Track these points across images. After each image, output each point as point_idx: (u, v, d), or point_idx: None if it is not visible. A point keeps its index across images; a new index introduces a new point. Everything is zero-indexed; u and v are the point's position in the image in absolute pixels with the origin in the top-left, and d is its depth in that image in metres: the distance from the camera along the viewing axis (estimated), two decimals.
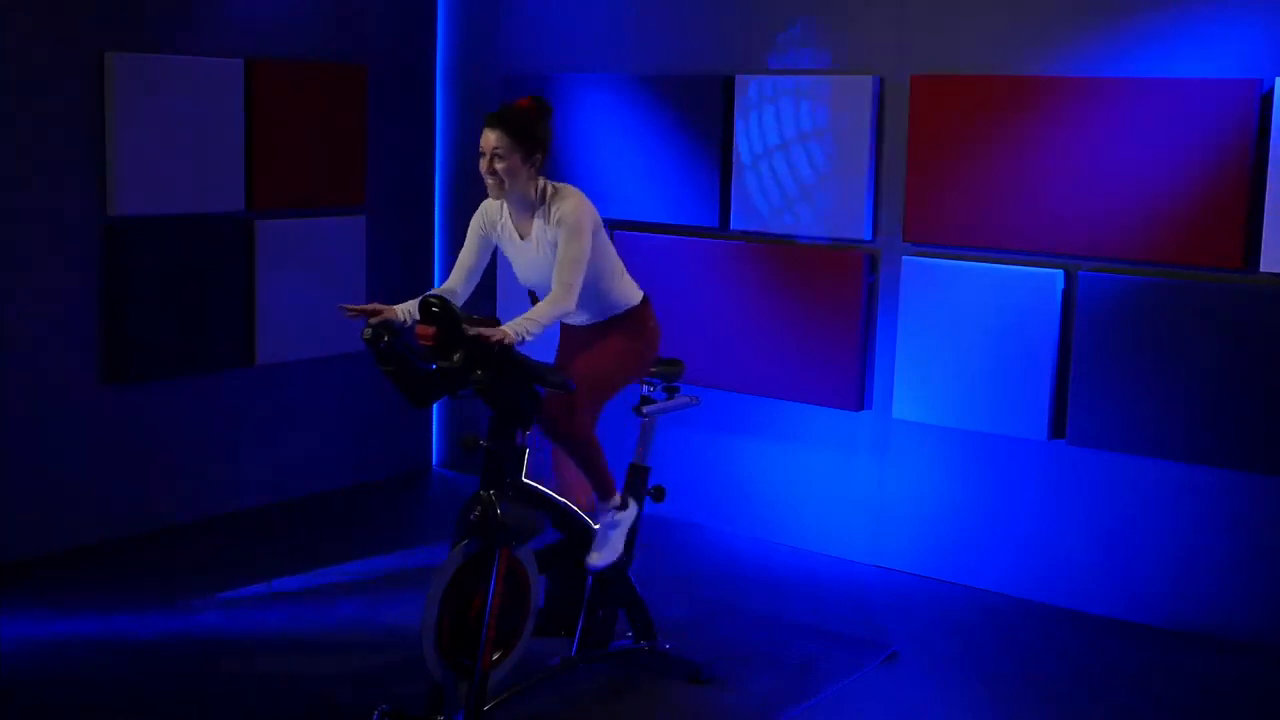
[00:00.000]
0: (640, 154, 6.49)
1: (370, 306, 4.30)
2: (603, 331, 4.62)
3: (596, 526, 4.67)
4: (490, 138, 4.30)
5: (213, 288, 6.27)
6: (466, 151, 7.15)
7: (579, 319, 4.59)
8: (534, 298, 4.67)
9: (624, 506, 4.69)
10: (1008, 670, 5.02)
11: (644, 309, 4.68)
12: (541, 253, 4.40)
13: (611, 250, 4.57)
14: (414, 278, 7.08)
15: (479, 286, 4.59)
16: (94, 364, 5.96)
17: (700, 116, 6.29)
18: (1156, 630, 5.42)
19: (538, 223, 4.39)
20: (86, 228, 5.87)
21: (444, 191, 7.29)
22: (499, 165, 4.30)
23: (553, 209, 4.35)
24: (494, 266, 6.69)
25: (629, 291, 4.63)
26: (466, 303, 4.44)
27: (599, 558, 4.59)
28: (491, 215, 4.51)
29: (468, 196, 7.11)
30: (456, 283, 4.52)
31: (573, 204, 4.34)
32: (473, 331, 4.03)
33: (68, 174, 5.79)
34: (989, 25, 5.64)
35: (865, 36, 5.94)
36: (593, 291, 4.47)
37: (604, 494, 4.64)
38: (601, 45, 6.67)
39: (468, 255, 4.54)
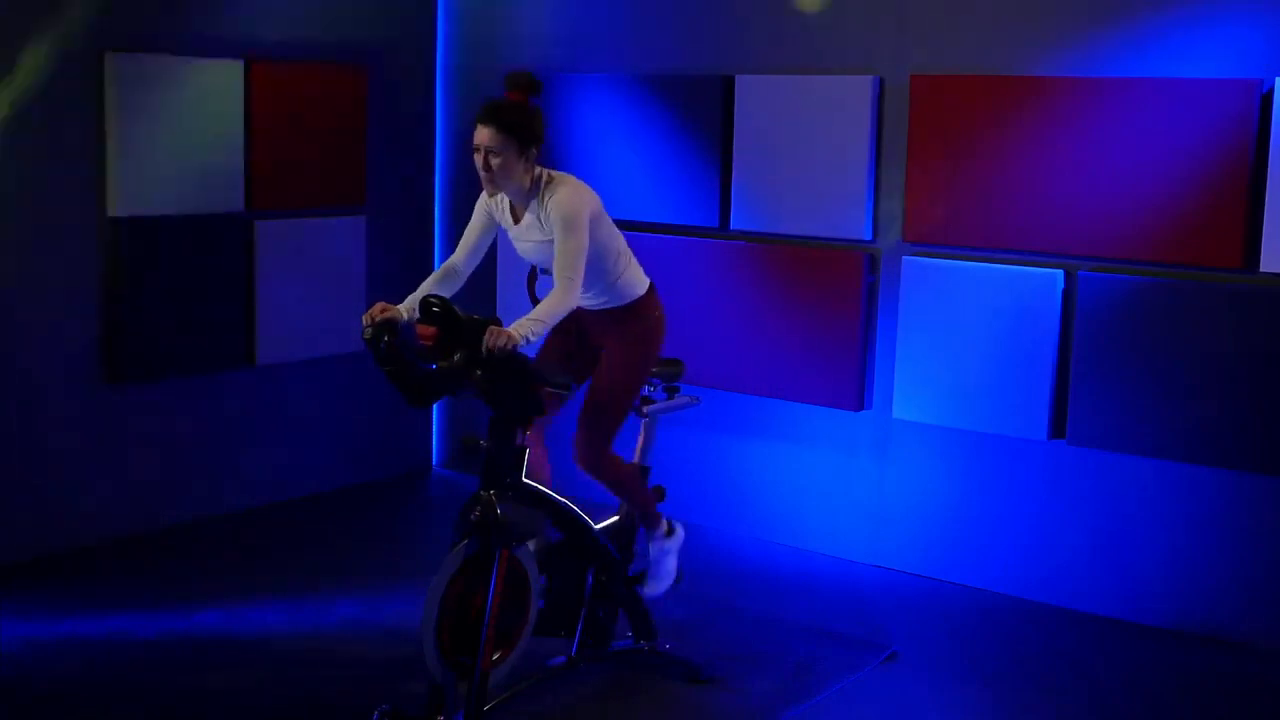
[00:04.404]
0: (640, 154, 6.49)
1: (376, 307, 4.30)
2: (608, 330, 4.61)
3: (597, 526, 4.68)
4: (484, 134, 4.30)
5: (213, 288, 6.27)
6: (467, 151, 7.12)
7: (585, 302, 4.58)
8: (533, 273, 4.69)
9: (670, 533, 4.80)
10: (1008, 670, 5.02)
11: (650, 298, 4.67)
12: (539, 241, 4.41)
13: (616, 234, 4.56)
14: (414, 278, 6.97)
15: (478, 287, 4.60)
16: (94, 364, 5.96)
17: (700, 116, 6.29)
18: (1156, 630, 5.42)
19: (530, 211, 4.40)
20: (86, 228, 5.87)
21: (444, 191, 7.29)
22: (494, 161, 4.30)
23: (546, 200, 4.35)
24: (494, 267, 6.71)
25: (635, 278, 4.63)
26: (467, 303, 4.44)
27: (654, 586, 4.74)
28: (495, 197, 4.53)
29: (468, 197, 7.10)
30: (459, 259, 4.56)
31: (566, 194, 4.33)
32: (484, 349, 4.03)
33: (68, 174, 5.79)
34: (989, 25, 5.64)
35: (865, 36, 5.94)
36: (597, 276, 4.47)
37: (649, 523, 4.76)
38: (601, 45, 6.67)
39: (472, 233, 4.58)
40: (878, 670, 4.97)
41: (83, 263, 5.87)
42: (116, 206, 5.91)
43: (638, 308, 4.63)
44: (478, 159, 4.33)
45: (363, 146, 6.84)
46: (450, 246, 7.20)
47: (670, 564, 4.78)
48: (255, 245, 6.39)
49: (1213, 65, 5.16)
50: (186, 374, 6.26)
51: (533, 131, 4.33)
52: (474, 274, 4.62)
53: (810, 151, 6.02)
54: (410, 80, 7.10)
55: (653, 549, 4.76)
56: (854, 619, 5.45)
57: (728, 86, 6.23)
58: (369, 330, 4.23)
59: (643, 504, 4.74)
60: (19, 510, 5.75)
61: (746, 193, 6.21)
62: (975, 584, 5.84)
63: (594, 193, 4.43)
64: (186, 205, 6.15)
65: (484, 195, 4.54)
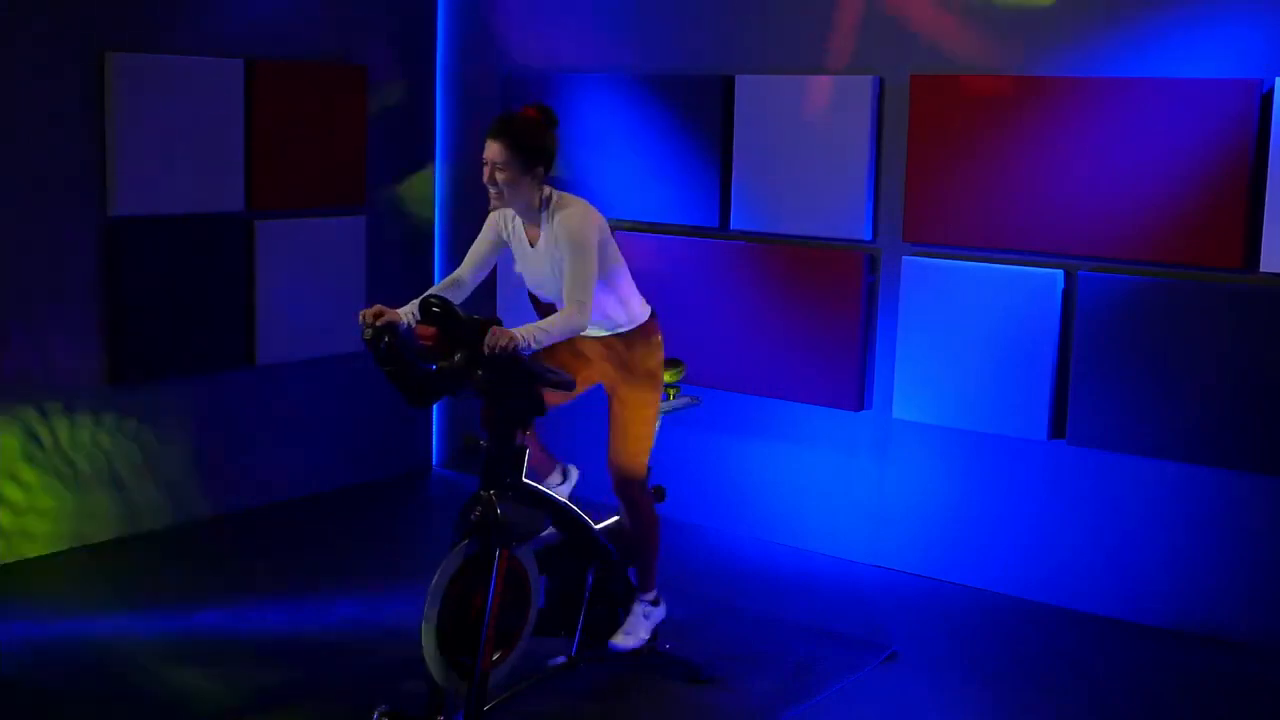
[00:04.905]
0: (640, 154, 6.49)
1: (372, 310, 4.29)
2: (613, 363, 4.59)
3: (597, 526, 4.68)
4: (492, 148, 4.28)
5: (213, 288, 6.27)
6: (466, 152, 7.15)
7: (590, 329, 4.57)
8: (534, 299, 4.66)
9: (657, 603, 4.79)
10: (1008, 670, 5.02)
11: (652, 324, 4.65)
12: (549, 262, 4.38)
13: (621, 262, 4.53)
14: (414, 278, 7.07)
15: (479, 287, 4.59)
16: (95, 364, 5.96)
17: (700, 116, 6.29)
18: (1156, 630, 5.42)
19: (544, 233, 4.38)
20: (86, 228, 5.87)
21: (444, 191, 7.29)
22: (499, 176, 4.28)
23: (555, 220, 4.32)
24: (494, 267, 6.70)
25: (635, 307, 4.61)
26: (467, 303, 4.44)
27: (625, 640, 4.69)
28: (506, 214, 4.50)
29: (468, 197, 7.11)
30: (465, 272, 4.53)
31: (576, 217, 4.30)
32: (486, 348, 4.02)
33: (68, 174, 5.79)
34: (989, 25, 5.64)
35: (865, 36, 5.94)
36: (605, 300, 4.45)
37: (645, 584, 4.76)
38: (602, 45, 6.67)
39: (479, 248, 4.54)
40: (878, 670, 4.97)
41: (83, 263, 5.87)
42: (116, 206, 5.91)
43: (642, 333, 4.61)
44: (484, 174, 4.31)
45: (363, 146, 6.84)
46: (449, 246, 7.21)
47: (645, 632, 4.73)
48: (255, 245, 6.40)
49: (1213, 65, 5.16)
50: (186, 374, 6.26)
51: (541, 148, 4.31)
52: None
53: (810, 151, 6.02)
54: (410, 80, 7.10)
55: (636, 608, 4.74)
56: (854, 619, 5.45)
57: (728, 86, 6.23)
58: (369, 330, 4.22)
59: (650, 558, 4.74)
60: (19, 510, 5.75)
61: (746, 193, 6.21)
62: (975, 584, 5.84)
63: (600, 215, 4.41)
64: (186, 205, 6.15)
65: (495, 213, 4.52)
